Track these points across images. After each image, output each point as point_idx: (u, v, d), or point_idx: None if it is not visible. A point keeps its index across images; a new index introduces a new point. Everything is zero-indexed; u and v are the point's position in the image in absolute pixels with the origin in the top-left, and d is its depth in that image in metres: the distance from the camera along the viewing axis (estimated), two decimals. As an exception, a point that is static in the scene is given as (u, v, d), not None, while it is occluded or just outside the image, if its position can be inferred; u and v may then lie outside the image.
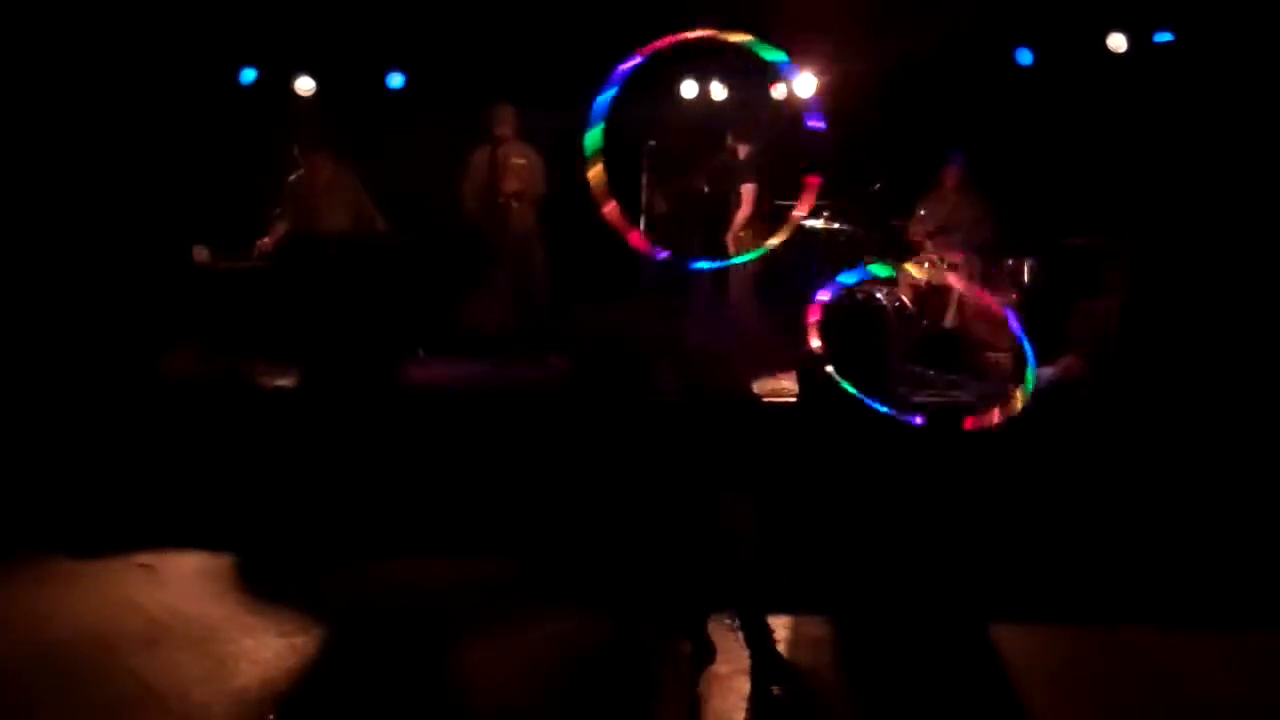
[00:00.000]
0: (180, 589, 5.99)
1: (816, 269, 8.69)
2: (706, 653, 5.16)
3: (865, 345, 7.13)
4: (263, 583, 6.08)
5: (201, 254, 8.84)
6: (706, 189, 9.28)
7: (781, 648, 5.28)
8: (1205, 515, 6.46)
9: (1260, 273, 7.59)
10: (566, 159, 9.07)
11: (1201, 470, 6.65)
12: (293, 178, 8.88)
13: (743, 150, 9.30)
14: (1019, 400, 5.11)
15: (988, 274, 8.65)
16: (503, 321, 9.05)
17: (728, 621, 5.50)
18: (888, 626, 5.59)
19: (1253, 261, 7.65)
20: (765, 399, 7.50)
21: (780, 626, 5.50)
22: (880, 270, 6.18)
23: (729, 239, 9.10)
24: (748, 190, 9.14)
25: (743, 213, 9.13)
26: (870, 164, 9.24)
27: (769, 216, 8.81)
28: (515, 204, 9.01)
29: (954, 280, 8.36)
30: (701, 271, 8.27)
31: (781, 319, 7.26)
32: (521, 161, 9.10)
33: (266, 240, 8.79)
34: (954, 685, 5.01)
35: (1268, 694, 4.86)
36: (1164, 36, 8.87)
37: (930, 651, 5.38)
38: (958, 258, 8.73)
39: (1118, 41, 8.98)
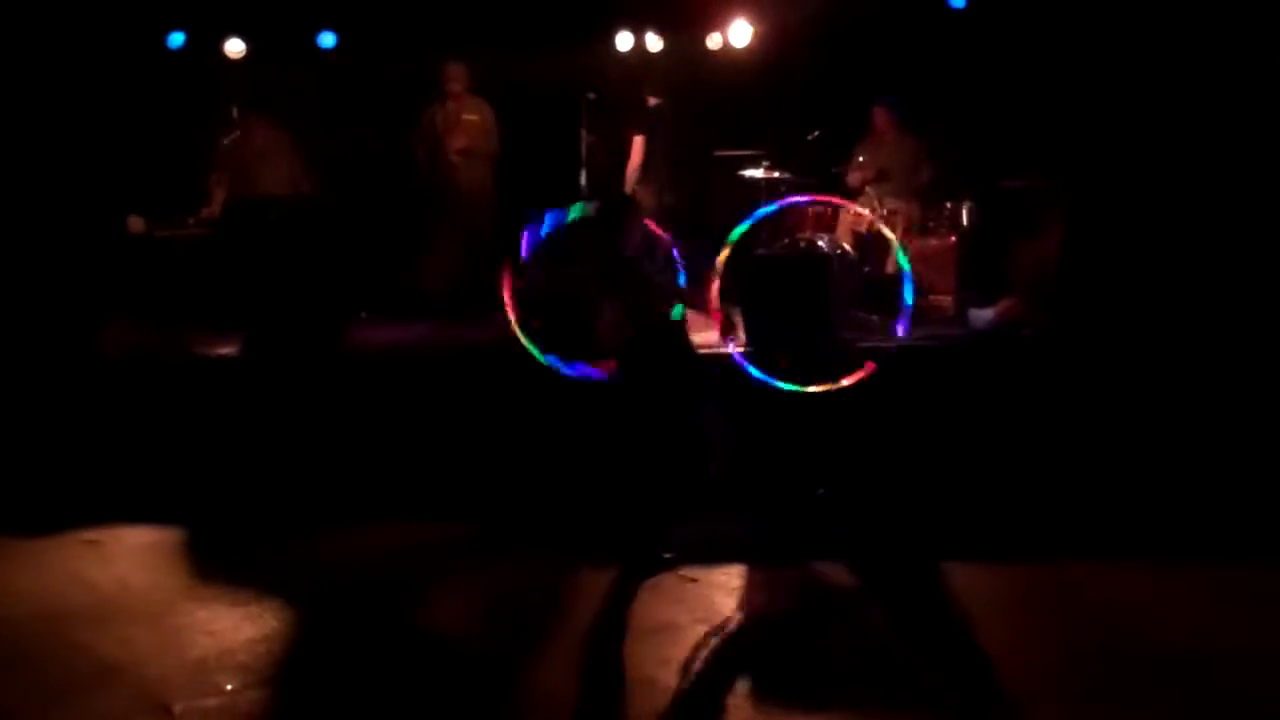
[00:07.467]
0: (129, 563, 5.94)
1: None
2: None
3: (807, 294, 7.24)
4: (213, 555, 6.05)
5: (136, 224, 8.69)
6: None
7: (737, 594, 5.36)
8: (1150, 450, 6.58)
9: (1197, 208, 7.66)
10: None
11: (1146, 405, 6.76)
12: (227, 141, 8.73)
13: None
14: None
15: (926, 218, 8.70)
16: (448, 281, 8.96)
17: (684, 572, 5.57)
18: (841, 568, 5.67)
19: (1190, 197, 7.72)
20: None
21: (735, 575, 5.58)
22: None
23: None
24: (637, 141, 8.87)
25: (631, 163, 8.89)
26: (807, 111, 9.23)
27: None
28: (459, 161, 8.94)
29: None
30: None
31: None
32: (473, 118, 8.99)
33: (211, 209, 8.66)
34: (906, 625, 5.09)
35: (1218, 627, 4.95)
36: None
37: (883, 591, 5.47)
38: (895, 203, 8.76)
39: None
